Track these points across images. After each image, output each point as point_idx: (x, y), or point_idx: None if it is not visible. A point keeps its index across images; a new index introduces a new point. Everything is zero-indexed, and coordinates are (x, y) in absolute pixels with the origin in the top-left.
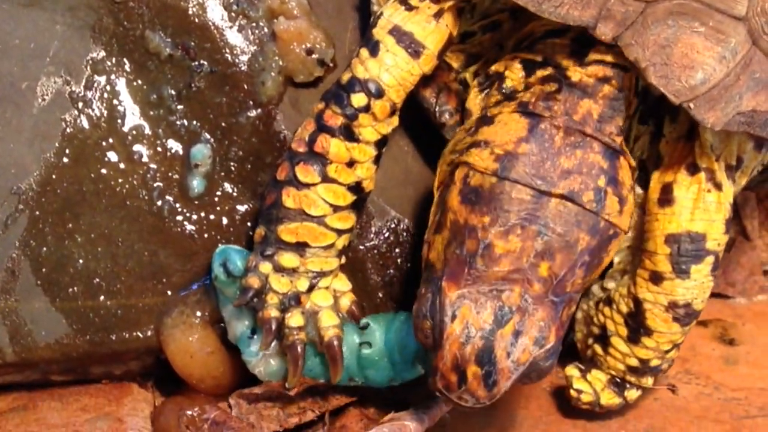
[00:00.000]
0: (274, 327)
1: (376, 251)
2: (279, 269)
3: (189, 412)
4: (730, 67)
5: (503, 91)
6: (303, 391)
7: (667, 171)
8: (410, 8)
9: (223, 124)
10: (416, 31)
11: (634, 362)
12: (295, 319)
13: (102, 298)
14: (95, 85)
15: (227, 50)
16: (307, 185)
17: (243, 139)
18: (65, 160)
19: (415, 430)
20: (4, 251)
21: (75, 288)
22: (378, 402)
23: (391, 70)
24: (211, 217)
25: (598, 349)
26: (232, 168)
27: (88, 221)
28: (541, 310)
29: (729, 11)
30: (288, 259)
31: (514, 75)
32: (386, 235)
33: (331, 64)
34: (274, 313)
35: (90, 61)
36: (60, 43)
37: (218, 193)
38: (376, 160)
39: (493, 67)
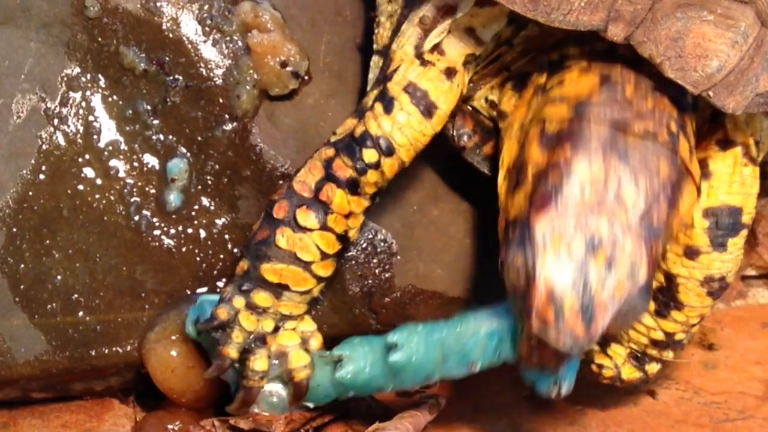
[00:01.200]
0: (227, 365)
1: (353, 262)
2: (251, 306)
3: (170, 426)
4: (743, 50)
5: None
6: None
7: (696, 150)
8: (424, 63)
9: (199, 138)
10: (430, 89)
11: (659, 335)
12: (259, 363)
13: (81, 313)
14: (70, 101)
15: (202, 65)
16: (305, 230)
17: (219, 152)
18: (42, 176)
19: None
20: None
21: (53, 304)
22: (362, 414)
23: (404, 129)
24: (189, 231)
25: None
26: (209, 182)
27: (65, 237)
28: (630, 242)
29: None
30: (263, 298)
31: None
32: (363, 245)
33: (305, 77)
34: (233, 353)
35: (65, 78)
36: (34, 60)
37: (195, 207)
38: (366, 212)
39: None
